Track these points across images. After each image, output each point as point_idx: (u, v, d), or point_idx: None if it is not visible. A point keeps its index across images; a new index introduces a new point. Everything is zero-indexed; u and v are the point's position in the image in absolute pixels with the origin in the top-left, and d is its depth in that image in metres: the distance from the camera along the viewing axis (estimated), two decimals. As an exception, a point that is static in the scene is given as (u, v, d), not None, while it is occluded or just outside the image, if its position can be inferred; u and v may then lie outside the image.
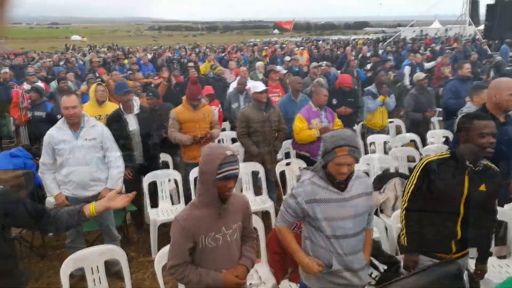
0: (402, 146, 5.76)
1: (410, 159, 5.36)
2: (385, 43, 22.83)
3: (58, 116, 5.20)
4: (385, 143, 5.89)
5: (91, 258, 2.85)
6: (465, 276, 2.38)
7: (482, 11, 20.79)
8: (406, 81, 10.32)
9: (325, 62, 9.98)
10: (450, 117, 5.79)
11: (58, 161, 3.61)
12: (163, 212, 4.48)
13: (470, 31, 20.64)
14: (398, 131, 6.80)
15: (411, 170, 5.00)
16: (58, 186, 3.66)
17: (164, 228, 4.60)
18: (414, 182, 2.50)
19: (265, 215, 4.56)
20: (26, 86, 8.30)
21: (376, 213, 3.89)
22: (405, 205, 2.55)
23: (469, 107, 4.23)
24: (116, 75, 7.72)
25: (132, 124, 4.51)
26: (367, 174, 4.95)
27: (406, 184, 2.58)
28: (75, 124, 3.60)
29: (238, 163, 2.15)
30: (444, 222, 2.46)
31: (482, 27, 19.61)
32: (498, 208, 3.28)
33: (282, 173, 4.85)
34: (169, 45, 37.12)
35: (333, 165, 2.18)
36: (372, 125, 6.19)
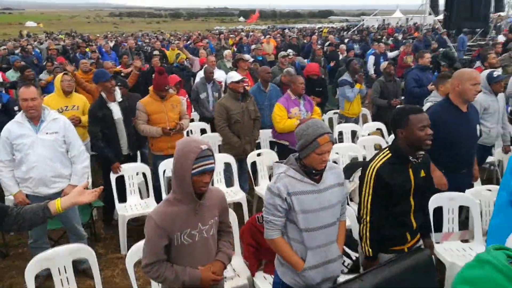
0: (368, 134, 5.88)
1: (377, 147, 5.49)
2: (349, 32, 23.17)
3: (15, 108, 4.91)
4: (352, 132, 5.99)
5: (57, 258, 2.72)
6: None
7: (442, 1, 21.53)
8: (371, 70, 10.55)
9: (290, 50, 9.96)
10: (413, 104, 5.96)
11: (17, 157, 3.40)
12: (131, 207, 4.36)
13: (430, 20, 21.30)
14: (365, 120, 6.94)
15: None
16: (17, 184, 3.45)
17: (133, 223, 4.50)
18: (370, 192, 2.45)
19: (237, 206, 4.55)
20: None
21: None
22: (367, 217, 2.47)
23: (435, 95, 4.37)
24: (84, 63, 7.32)
25: (117, 112, 4.35)
26: (336, 163, 5.03)
27: (362, 197, 2.50)
28: (34, 118, 3.39)
29: (213, 157, 2.10)
30: (401, 218, 2.51)
31: (441, 17, 20.29)
32: (462, 194, 3.45)
33: (253, 164, 4.84)
34: (132, 32, 35.96)
35: (314, 156, 2.17)
36: (350, 114, 6.33)
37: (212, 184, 4.68)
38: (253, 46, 12.97)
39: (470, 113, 3.43)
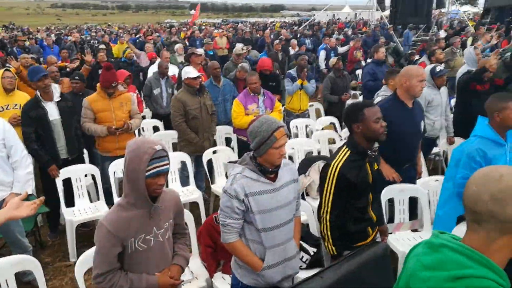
0: (322, 129, 5.98)
1: (331, 141, 5.59)
2: (301, 27, 23.49)
3: None
4: (306, 126, 6.06)
5: (-2, 271, 2.50)
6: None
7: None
8: (322, 65, 10.75)
9: (240, 44, 9.88)
10: (369, 97, 6.16)
11: None
12: (80, 211, 4.12)
13: (377, 16, 22.08)
14: (318, 115, 7.05)
15: (331, 152, 5.30)
16: None
17: (83, 228, 4.27)
18: (332, 191, 2.44)
19: (194, 206, 4.45)
20: None
21: (302, 197, 4.00)
22: (328, 216, 2.46)
23: (385, 90, 4.50)
24: (25, 58, 6.77)
25: (53, 113, 4.02)
26: (291, 158, 5.07)
27: (323, 196, 2.50)
28: (-32, 120, 3.08)
29: (168, 157, 2.00)
30: (363, 213, 2.57)
31: (387, 12, 21.08)
32: (411, 185, 3.59)
33: (209, 162, 4.75)
34: (76, 25, 34.16)
35: (273, 151, 2.14)
36: (291, 109, 6.31)
37: (167, 184, 4.57)
38: (206, 40, 12.76)
39: (415, 109, 3.54)
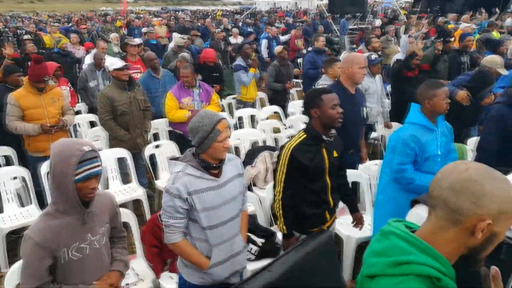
0: (267, 118, 5.99)
1: (275, 130, 5.62)
2: (242, 16, 23.38)
3: None
4: (251, 116, 6.04)
5: None
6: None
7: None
8: (265, 54, 10.77)
9: (177, 34, 9.58)
10: (310, 85, 6.26)
11: None
12: (10, 217, 3.78)
13: (316, 5, 22.53)
14: (262, 104, 7.06)
15: (277, 141, 5.33)
16: None
17: (14, 236, 3.93)
18: (284, 170, 2.52)
19: (137, 204, 4.27)
20: None
21: (249, 187, 3.99)
22: (280, 195, 2.56)
23: (324, 79, 4.58)
24: None
25: None
26: (237, 149, 5.03)
27: (276, 175, 2.59)
28: None
29: (99, 158, 1.86)
30: (319, 197, 2.61)
31: (326, 1, 21.59)
32: (352, 170, 3.70)
33: (152, 157, 4.57)
34: (-1, 12, 31.36)
35: (217, 145, 2.08)
36: (247, 99, 6.31)
37: (107, 183, 4.34)
38: (144, 29, 12.23)
39: (358, 96, 3.65)
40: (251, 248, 3.06)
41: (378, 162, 3.93)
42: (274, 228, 3.40)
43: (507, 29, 10.20)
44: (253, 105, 6.47)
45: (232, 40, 11.07)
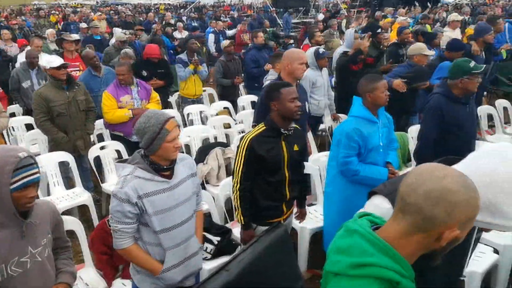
0: (217, 114, 5.93)
1: (226, 126, 5.58)
2: (186, 10, 22.94)
3: None
4: (201, 112, 5.95)
5: None
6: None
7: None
8: (212, 49, 10.65)
9: (119, 29, 9.24)
10: (253, 84, 6.29)
11: None
12: None
13: (260, -1, 22.68)
14: (212, 100, 6.98)
15: (228, 136, 5.30)
16: None
17: None
18: (242, 161, 2.55)
19: (84, 209, 4.06)
20: None
21: (202, 185, 3.92)
22: (238, 186, 2.58)
23: (272, 73, 4.60)
24: None
25: None
26: (188, 146, 4.93)
27: (234, 166, 2.62)
28: None
29: (37, 165, 1.73)
30: (275, 189, 2.64)
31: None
32: (304, 163, 3.76)
33: (97, 159, 4.35)
34: None
35: (166, 145, 2.00)
36: (187, 94, 6.13)
37: (48, 190, 4.07)
38: (83, 25, 11.60)
39: (299, 92, 3.69)
40: (207, 247, 3.01)
41: (327, 153, 4.03)
42: (229, 225, 3.39)
43: (439, 22, 10.90)
44: (193, 102, 6.26)
45: (177, 34, 10.83)
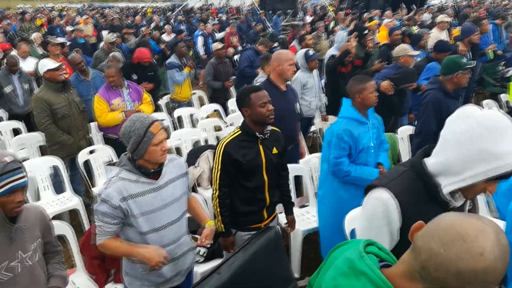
0: (207, 117, 5.92)
1: (217, 128, 5.58)
2: (174, 12, 22.86)
3: None
4: (191, 115, 5.94)
5: None
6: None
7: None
8: (201, 51, 10.64)
9: (106, 32, 9.15)
10: (243, 83, 6.28)
11: None
12: None
13: (248, 2, 22.70)
14: (202, 103, 6.97)
15: (219, 139, 5.29)
16: None
17: None
18: (219, 167, 2.52)
19: (74, 214, 4.01)
20: None
21: (193, 188, 3.91)
22: (217, 192, 2.54)
23: (262, 76, 4.63)
24: None
25: None
26: (179, 149, 4.91)
27: (212, 172, 2.58)
28: None
29: (23, 169, 1.71)
30: (254, 194, 2.60)
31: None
32: (294, 165, 3.77)
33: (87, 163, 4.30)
34: None
35: (153, 149, 1.99)
36: (181, 98, 6.16)
37: (38, 194, 4.02)
38: (69, 28, 11.49)
39: (289, 93, 3.71)
40: (200, 250, 2.99)
41: (318, 155, 4.06)
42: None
43: (424, 23, 11.05)
44: (188, 104, 6.34)
45: (165, 37, 10.79)
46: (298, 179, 3.87)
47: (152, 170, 2.06)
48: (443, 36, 7.38)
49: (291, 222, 2.98)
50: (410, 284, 0.93)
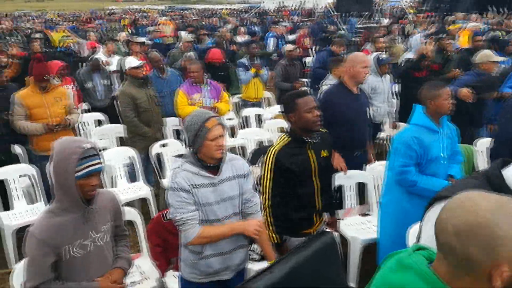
0: (272, 118, 5.97)
1: (282, 130, 5.60)
2: (248, 14, 23.37)
3: None
4: (258, 116, 6.04)
5: None
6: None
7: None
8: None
9: (184, 32, 9.59)
10: (316, 84, 6.24)
11: None
12: (16, 215, 3.82)
13: (321, 4, 22.48)
14: (269, 104, 7.05)
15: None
16: None
17: (22, 233, 3.97)
18: (270, 176, 2.47)
19: (144, 202, 4.28)
20: None
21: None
22: (268, 202, 2.48)
23: (330, 78, 4.57)
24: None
25: None
26: (243, 148, 5.03)
27: (262, 182, 2.51)
28: None
29: (100, 156, 1.89)
30: (305, 200, 2.57)
31: (331, 0, 21.51)
32: (358, 171, 3.67)
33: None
34: (7, 12, 31.57)
35: (208, 143, 2.08)
36: (247, 98, 6.31)
37: (113, 181, 4.36)
38: (150, 28, 12.28)
39: (361, 96, 3.64)
40: (256, 248, 3.05)
41: (384, 162, 3.90)
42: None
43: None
44: (258, 105, 6.43)
45: (238, 38, 11.07)
46: (361, 186, 3.76)
47: (210, 165, 2.15)
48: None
49: (334, 223, 2.93)
50: (443, 269, 0.96)
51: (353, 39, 11.82)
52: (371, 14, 18.66)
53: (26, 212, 3.87)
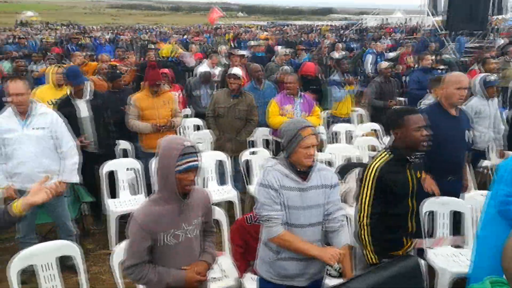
0: (363, 135, 5.84)
1: (372, 148, 5.45)
2: (348, 31, 23.12)
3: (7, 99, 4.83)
4: (347, 132, 5.95)
5: (42, 255, 2.68)
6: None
7: (441, 2, 21.46)
8: (368, 69, 10.51)
9: (279, 47, 9.84)
10: (414, 105, 5.96)
11: (5, 151, 3.34)
12: (121, 203, 4.30)
13: (428, 21, 21.29)
14: (361, 121, 6.90)
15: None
16: (5, 178, 3.39)
17: (123, 220, 4.44)
18: (372, 193, 2.40)
19: (229, 205, 4.50)
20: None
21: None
22: (368, 220, 2.40)
23: (430, 99, 4.34)
24: (77, 56, 7.20)
25: (84, 110, 4.27)
26: (330, 163, 4.99)
27: (360, 198, 2.44)
28: (22, 112, 3.32)
29: (198, 154, 2.07)
30: (398, 221, 2.48)
31: (440, 18, 20.23)
32: (454, 199, 3.41)
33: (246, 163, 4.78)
34: (129, 25, 35.66)
35: (300, 150, 2.16)
36: (339, 114, 6.28)
37: (204, 182, 4.67)
38: (251, 42, 12.87)
39: (460, 118, 3.40)
40: (334, 265, 3.01)
41: (485, 192, 3.57)
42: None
43: None
44: (347, 121, 6.34)
45: (336, 54, 11.05)
46: (457, 216, 3.48)
47: (300, 170, 2.23)
48: None
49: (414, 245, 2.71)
50: None
51: (461, 59, 11.00)
52: (485, 33, 17.12)
53: (129, 201, 4.34)
